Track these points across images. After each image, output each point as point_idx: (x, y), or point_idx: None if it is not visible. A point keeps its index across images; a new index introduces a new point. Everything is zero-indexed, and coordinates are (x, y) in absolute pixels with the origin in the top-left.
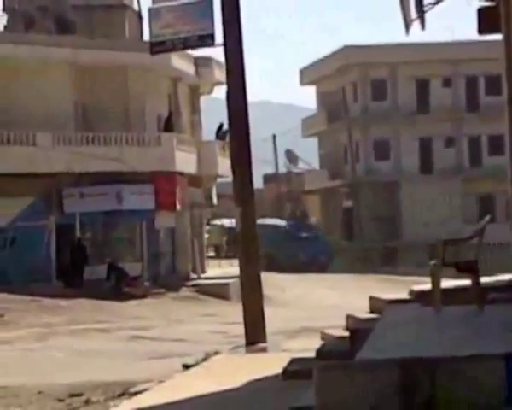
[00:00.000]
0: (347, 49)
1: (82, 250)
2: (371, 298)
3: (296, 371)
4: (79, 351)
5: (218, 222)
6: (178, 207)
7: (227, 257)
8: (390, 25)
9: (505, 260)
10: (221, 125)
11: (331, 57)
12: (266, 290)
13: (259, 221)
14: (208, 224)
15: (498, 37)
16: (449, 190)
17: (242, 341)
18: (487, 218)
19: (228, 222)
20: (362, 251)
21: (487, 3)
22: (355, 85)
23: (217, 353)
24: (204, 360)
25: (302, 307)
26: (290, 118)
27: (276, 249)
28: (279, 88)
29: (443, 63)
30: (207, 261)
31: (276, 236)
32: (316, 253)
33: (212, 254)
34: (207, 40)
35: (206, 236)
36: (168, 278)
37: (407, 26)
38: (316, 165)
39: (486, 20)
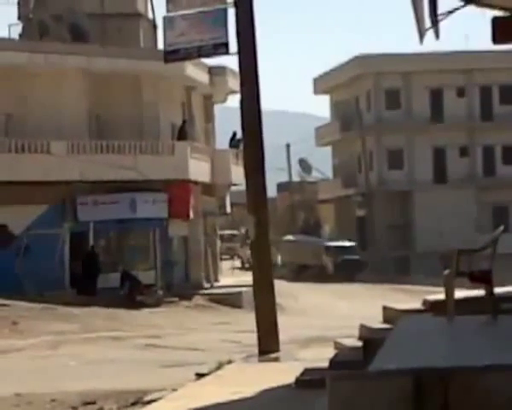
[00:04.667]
0: (361, 59)
1: (94, 258)
2: (384, 308)
3: (309, 380)
4: (92, 359)
5: (307, 238)
6: (192, 215)
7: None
8: (404, 33)
9: None
10: (234, 134)
11: (345, 66)
12: (279, 299)
13: None
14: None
15: None
16: (462, 199)
17: (255, 350)
18: (501, 228)
19: (330, 241)
20: (375, 260)
21: (502, 13)
22: (369, 94)
23: (230, 362)
24: (217, 368)
25: (315, 316)
26: (304, 126)
27: None
28: (293, 97)
29: (457, 73)
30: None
31: None
32: None
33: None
34: (222, 49)
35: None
36: (181, 286)
37: (421, 35)
38: (329, 174)
39: (501, 29)
